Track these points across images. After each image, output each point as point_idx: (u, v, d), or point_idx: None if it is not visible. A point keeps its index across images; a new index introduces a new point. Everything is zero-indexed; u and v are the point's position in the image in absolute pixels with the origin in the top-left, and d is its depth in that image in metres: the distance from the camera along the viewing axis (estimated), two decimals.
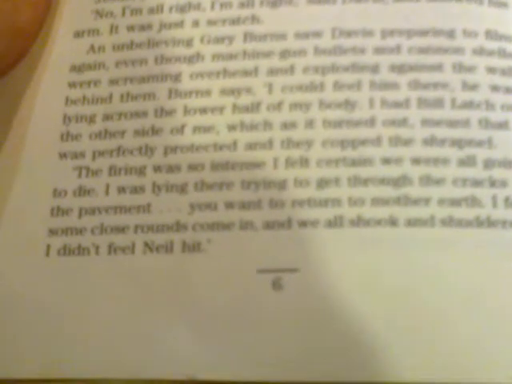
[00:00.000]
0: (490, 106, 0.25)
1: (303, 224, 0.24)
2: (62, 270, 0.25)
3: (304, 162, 0.25)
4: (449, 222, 0.24)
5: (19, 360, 0.24)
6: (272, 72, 0.26)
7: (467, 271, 0.23)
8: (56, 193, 0.25)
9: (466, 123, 0.24)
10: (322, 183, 0.24)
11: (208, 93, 0.26)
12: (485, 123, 0.24)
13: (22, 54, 0.28)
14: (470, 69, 0.25)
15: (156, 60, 0.26)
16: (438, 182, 0.24)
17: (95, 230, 0.25)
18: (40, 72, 0.27)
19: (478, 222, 0.24)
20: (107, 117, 0.26)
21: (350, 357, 0.23)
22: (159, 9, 0.27)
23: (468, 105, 0.25)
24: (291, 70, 0.26)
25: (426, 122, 0.25)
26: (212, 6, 0.27)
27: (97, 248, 0.25)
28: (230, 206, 0.24)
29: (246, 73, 0.26)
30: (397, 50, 0.25)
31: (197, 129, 0.25)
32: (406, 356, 0.23)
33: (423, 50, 0.25)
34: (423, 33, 0.26)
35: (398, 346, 0.23)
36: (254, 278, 0.24)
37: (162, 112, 0.26)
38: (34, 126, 0.26)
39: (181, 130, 0.25)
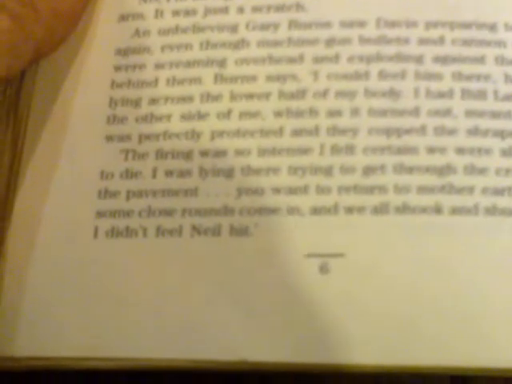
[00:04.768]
0: None
1: (349, 210, 0.25)
2: (110, 251, 0.25)
3: (350, 150, 0.25)
4: (492, 210, 0.24)
5: (67, 339, 0.25)
6: (317, 60, 0.26)
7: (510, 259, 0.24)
8: (103, 175, 0.26)
9: (508, 115, 0.25)
10: (368, 170, 0.25)
11: (254, 79, 0.26)
12: None
13: (63, 37, 0.28)
14: None
15: (201, 45, 0.27)
16: (482, 171, 0.25)
17: (143, 213, 0.25)
18: (84, 55, 0.27)
19: None
20: (153, 101, 0.26)
21: (392, 340, 0.24)
22: None
23: (510, 97, 0.25)
24: (336, 58, 0.26)
25: (469, 113, 0.25)
26: None
27: (145, 230, 0.25)
28: (276, 191, 0.25)
29: (291, 60, 0.26)
30: (440, 41, 0.26)
31: (243, 114, 0.26)
32: (454, 341, 0.23)
33: (466, 42, 0.26)
34: (466, 25, 0.26)
35: (447, 332, 0.23)
36: (301, 262, 0.24)
37: (209, 97, 0.26)
38: (80, 108, 0.27)
39: (227, 115, 0.26)
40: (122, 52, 0.27)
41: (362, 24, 0.26)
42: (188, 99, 0.26)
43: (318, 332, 0.24)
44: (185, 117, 0.26)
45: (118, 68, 0.27)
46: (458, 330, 0.24)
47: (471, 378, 0.24)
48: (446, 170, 0.25)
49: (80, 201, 0.26)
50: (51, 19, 0.27)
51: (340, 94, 0.26)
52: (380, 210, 0.24)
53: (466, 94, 0.25)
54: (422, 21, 0.26)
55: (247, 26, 0.27)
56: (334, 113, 0.25)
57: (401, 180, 0.25)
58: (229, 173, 0.25)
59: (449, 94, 0.25)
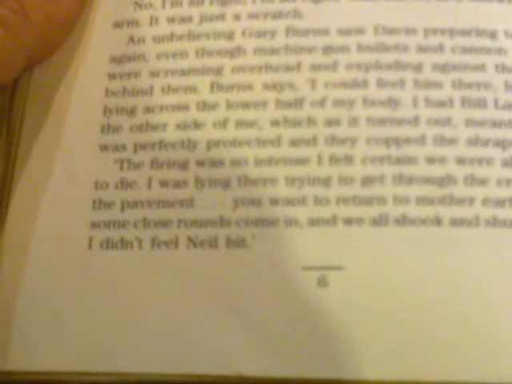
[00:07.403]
0: None
1: (348, 222, 0.24)
2: (105, 263, 0.25)
3: (348, 160, 0.25)
4: (493, 222, 0.24)
5: (61, 353, 0.24)
6: (315, 68, 0.26)
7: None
8: (97, 185, 0.25)
9: (509, 124, 0.25)
10: (367, 181, 0.24)
11: (250, 87, 0.26)
12: None
13: (57, 45, 0.27)
14: None
15: (197, 53, 0.26)
16: (482, 182, 0.24)
17: (138, 224, 0.25)
18: (78, 62, 0.27)
19: None
20: (148, 109, 0.26)
21: (397, 354, 0.23)
22: (199, 1, 0.27)
23: (511, 105, 0.25)
24: (334, 66, 0.26)
25: (469, 122, 0.25)
26: (253, 0, 0.27)
27: (140, 242, 0.25)
28: (274, 202, 0.25)
29: (288, 68, 0.26)
30: (440, 48, 0.26)
31: (239, 123, 0.25)
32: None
33: (466, 50, 0.25)
34: (466, 32, 0.26)
35: (444, 344, 0.23)
36: (299, 275, 0.24)
37: (205, 106, 0.26)
38: (74, 117, 0.26)
39: (223, 124, 0.25)
40: (117, 59, 0.27)
41: (360, 31, 0.26)
42: (184, 108, 0.26)
43: (315, 346, 0.23)
44: (180, 126, 0.26)
45: (112, 76, 0.26)
46: (460, 342, 0.23)
47: None
48: (446, 180, 0.24)
49: (74, 211, 0.25)
50: (44, 26, 0.26)
51: (338, 103, 0.25)
52: (379, 221, 0.24)
53: (465, 102, 0.25)
54: (421, 28, 0.26)
55: (243, 33, 0.26)
56: (332, 122, 0.25)
57: (400, 191, 0.24)
58: (225, 183, 0.25)
59: (448, 102, 0.25)
